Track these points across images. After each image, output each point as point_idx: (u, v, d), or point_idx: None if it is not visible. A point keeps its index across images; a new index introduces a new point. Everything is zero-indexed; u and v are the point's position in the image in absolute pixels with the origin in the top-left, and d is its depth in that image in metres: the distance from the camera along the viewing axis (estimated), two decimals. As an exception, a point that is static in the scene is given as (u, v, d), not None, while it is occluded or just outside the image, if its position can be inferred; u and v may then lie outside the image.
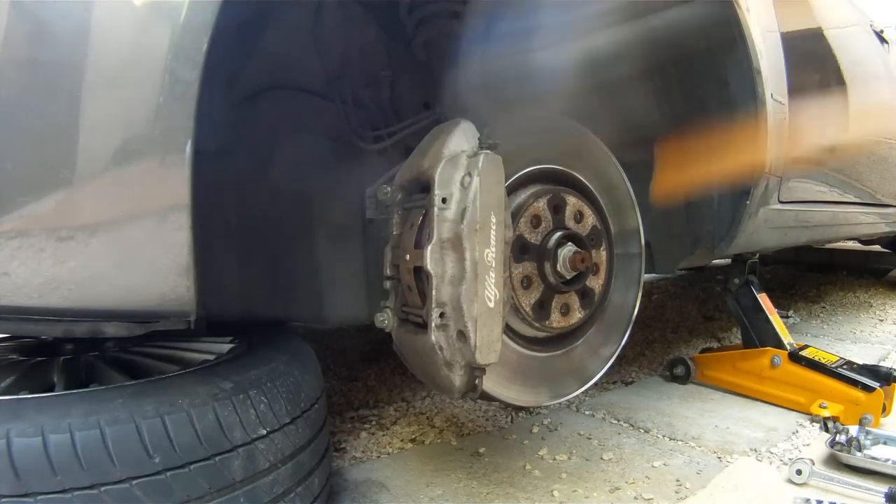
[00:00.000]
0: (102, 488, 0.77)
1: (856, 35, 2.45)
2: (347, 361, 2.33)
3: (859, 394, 1.65)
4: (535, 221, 1.09)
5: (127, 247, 0.78)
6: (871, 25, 2.67)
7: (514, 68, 1.34)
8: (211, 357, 1.13)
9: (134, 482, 0.79)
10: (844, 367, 1.76)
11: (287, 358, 1.09)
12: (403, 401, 1.88)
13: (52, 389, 1.01)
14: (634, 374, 2.16)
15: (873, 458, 1.40)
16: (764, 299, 1.99)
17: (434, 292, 0.98)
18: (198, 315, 0.86)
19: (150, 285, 0.81)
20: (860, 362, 1.84)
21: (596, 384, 1.25)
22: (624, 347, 1.28)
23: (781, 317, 2.00)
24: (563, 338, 1.18)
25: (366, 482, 1.34)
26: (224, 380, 0.94)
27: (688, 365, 2.04)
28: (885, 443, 1.48)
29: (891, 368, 1.74)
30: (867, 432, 1.49)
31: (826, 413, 1.64)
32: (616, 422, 1.70)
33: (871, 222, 2.66)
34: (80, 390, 0.89)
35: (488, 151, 0.96)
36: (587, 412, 1.76)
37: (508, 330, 1.09)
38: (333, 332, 2.69)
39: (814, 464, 1.31)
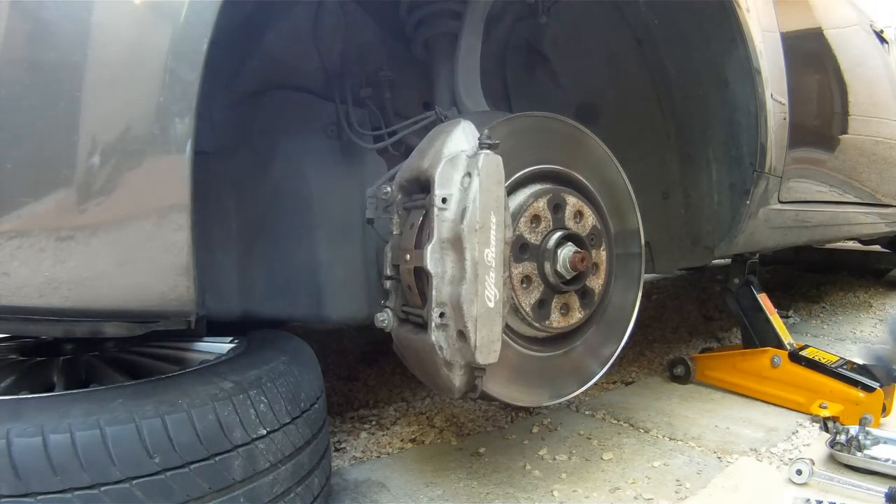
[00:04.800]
0: (102, 488, 0.77)
1: (856, 35, 2.45)
2: (347, 361, 2.33)
3: (859, 394, 1.65)
4: (535, 221, 1.09)
5: (127, 247, 0.78)
6: (870, 25, 2.67)
7: None
8: (211, 357, 1.13)
9: (134, 482, 0.79)
10: (844, 367, 1.76)
11: (287, 358, 1.09)
12: (403, 401, 1.88)
13: (52, 389, 1.01)
14: (634, 374, 2.16)
15: (873, 458, 1.39)
16: (764, 299, 1.99)
17: (434, 292, 0.98)
18: (198, 315, 0.87)
19: (150, 285, 0.81)
20: (860, 362, 1.84)
21: (596, 384, 1.25)
22: (624, 347, 1.28)
23: (781, 317, 2.00)
24: (563, 338, 1.18)
25: (366, 482, 1.34)
26: (224, 380, 0.94)
27: (688, 365, 2.04)
28: (884, 443, 1.48)
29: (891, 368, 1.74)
30: (867, 432, 1.48)
31: (826, 413, 1.63)
32: (616, 422, 1.69)
33: (871, 222, 2.66)
34: (80, 390, 0.89)
35: (488, 151, 0.96)
36: (587, 412, 1.76)
37: (508, 330, 1.09)
38: (333, 332, 2.69)
39: (814, 464, 1.31)
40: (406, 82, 1.55)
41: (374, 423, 1.69)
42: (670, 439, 1.58)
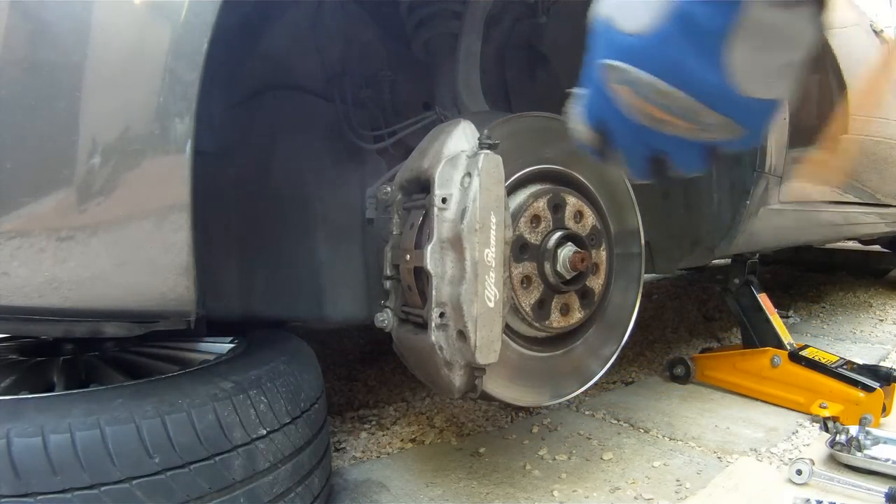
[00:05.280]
0: (102, 488, 0.77)
1: (856, 35, 2.45)
2: (347, 361, 2.33)
3: (859, 394, 1.65)
4: (535, 221, 1.09)
5: (127, 247, 0.78)
6: (871, 25, 2.67)
7: None
8: (211, 357, 1.13)
9: (134, 482, 0.79)
10: (844, 367, 1.76)
11: (287, 358, 1.09)
12: (403, 401, 1.88)
13: (52, 389, 1.01)
14: (634, 374, 2.16)
15: (873, 458, 1.39)
16: (764, 299, 1.99)
17: (434, 292, 0.98)
18: (198, 315, 0.87)
19: (150, 285, 0.81)
20: (860, 362, 1.84)
21: (596, 384, 1.25)
22: (624, 347, 1.28)
23: (781, 317, 2.00)
24: (563, 338, 1.18)
25: (366, 482, 1.34)
26: (224, 380, 0.94)
27: (688, 365, 2.04)
28: (885, 443, 1.48)
29: (891, 368, 1.74)
30: (867, 432, 1.48)
31: (826, 413, 1.64)
32: (616, 422, 1.70)
33: (871, 222, 2.66)
34: (80, 390, 0.89)
35: (488, 151, 0.96)
36: (587, 412, 1.76)
37: (508, 330, 1.09)
38: (333, 332, 2.69)
39: (814, 464, 1.31)
40: (406, 82, 1.55)
41: (374, 423, 1.69)
42: (670, 439, 1.58)
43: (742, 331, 2.02)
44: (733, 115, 0.45)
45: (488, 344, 0.95)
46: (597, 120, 0.50)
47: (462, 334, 0.96)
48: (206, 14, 0.79)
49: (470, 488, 1.31)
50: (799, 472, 1.29)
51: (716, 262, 2.08)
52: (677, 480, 1.34)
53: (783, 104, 0.46)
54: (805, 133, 1.88)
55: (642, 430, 1.63)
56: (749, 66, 0.43)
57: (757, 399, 1.87)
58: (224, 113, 1.34)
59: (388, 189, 1.19)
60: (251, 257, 1.42)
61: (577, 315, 1.16)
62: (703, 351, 2.16)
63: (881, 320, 3.11)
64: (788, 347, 1.87)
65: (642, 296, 1.32)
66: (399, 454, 1.49)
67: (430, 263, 0.97)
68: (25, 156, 0.74)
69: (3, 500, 0.73)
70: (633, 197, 1.30)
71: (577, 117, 0.53)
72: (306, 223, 1.45)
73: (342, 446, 1.53)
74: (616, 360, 1.26)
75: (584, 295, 1.17)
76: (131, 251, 0.79)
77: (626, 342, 1.28)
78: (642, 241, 1.32)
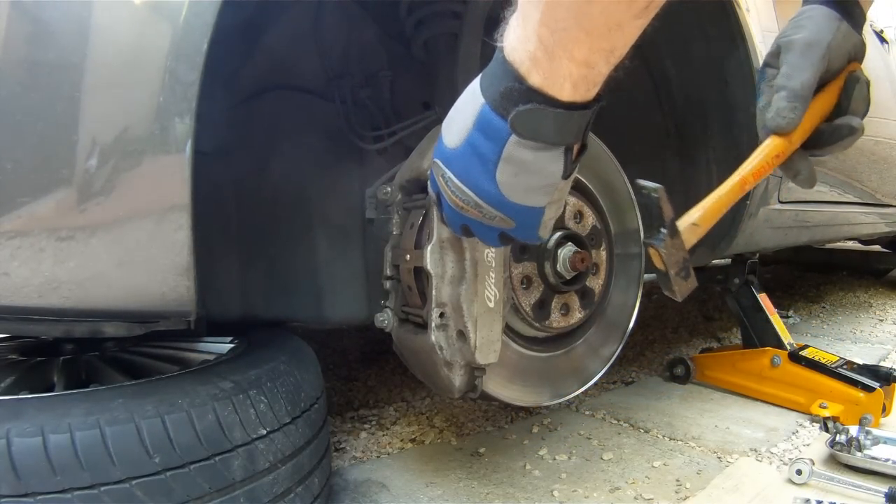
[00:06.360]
0: (102, 488, 0.77)
1: (856, 35, 2.44)
2: (347, 361, 2.33)
3: (859, 394, 1.65)
4: (535, 221, 1.09)
5: (127, 247, 0.78)
6: (870, 25, 2.67)
7: None
8: (211, 357, 1.13)
9: (134, 482, 0.79)
10: (844, 367, 1.76)
11: (287, 358, 1.09)
12: (403, 401, 1.88)
13: (52, 389, 1.01)
14: (634, 374, 2.16)
15: (873, 458, 1.39)
16: (764, 299, 1.99)
17: (434, 292, 0.98)
18: (198, 315, 0.87)
19: (150, 285, 0.81)
20: (860, 362, 1.84)
21: (596, 384, 1.25)
22: (624, 347, 1.28)
23: (781, 317, 2.00)
24: (563, 338, 1.18)
25: (366, 482, 1.34)
26: (224, 380, 0.94)
27: (688, 365, 2.04)
28: (885, 443, 1.48)
29: (891, 368, 1.74)
30: (867, 432, 1.48)
31: (826, 413, 1.63)
32: (616, 422, 1.69)
33: (871, 222, 2.66)
34: (80, 390, 0.89)
35: (488, 151, 0.96)
36: (587, 412, 1.76)
37: (508, 330, 1.09)
38: (333, 332, 2.69)
39: (814, 464, 1.31)
40: (406, 82, 1.55)
41: (374, 423, 1.69)
42: (670, 439, 1.58)
43: (742, 331, 2.02)
44: (505, 213, 0.63)
45: (488, 344, 0.95)
46: (433, 191, 0.69)
47: (462, 334, 0.96)
48: (206, 14, 0.79)
49: (470, 488, 1.31)
50: (799, 472, 1.29)
51: (716, 262, 2.08)
52: (677, 480, 1.34)
53: (548, 209, 0.65)
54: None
55: (642, 430, 1.63)
56: (511, 183, 0.60)
57: (757, 399, 1.87)
58: (224, 113, 1.34)
59: (388, 189, 1.19)
60: (251, 257, 1.42)
61: (577, 315, 1.16)
62: (703, 351, 2.17)
63: (881, 320, 3.11)
64: (788, 347, 1.86)
65: (642, 296, 1.32)
66: (399, 454, 1.49)
67: (430, 263, 0.97)
68: (25, 156, 0.74)
69: (3, 500, 0.73)
70: (634, 197, 1.30)
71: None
72: (306, 223, 1.45)
73: (342, 446, 1.53)
74: (616, 360, 1.26)
75: (584, 295, 1.17)
76: (131, 251, 0.79)
77: (626, 342, 1.28)
78: (642, 241, 1.32)
